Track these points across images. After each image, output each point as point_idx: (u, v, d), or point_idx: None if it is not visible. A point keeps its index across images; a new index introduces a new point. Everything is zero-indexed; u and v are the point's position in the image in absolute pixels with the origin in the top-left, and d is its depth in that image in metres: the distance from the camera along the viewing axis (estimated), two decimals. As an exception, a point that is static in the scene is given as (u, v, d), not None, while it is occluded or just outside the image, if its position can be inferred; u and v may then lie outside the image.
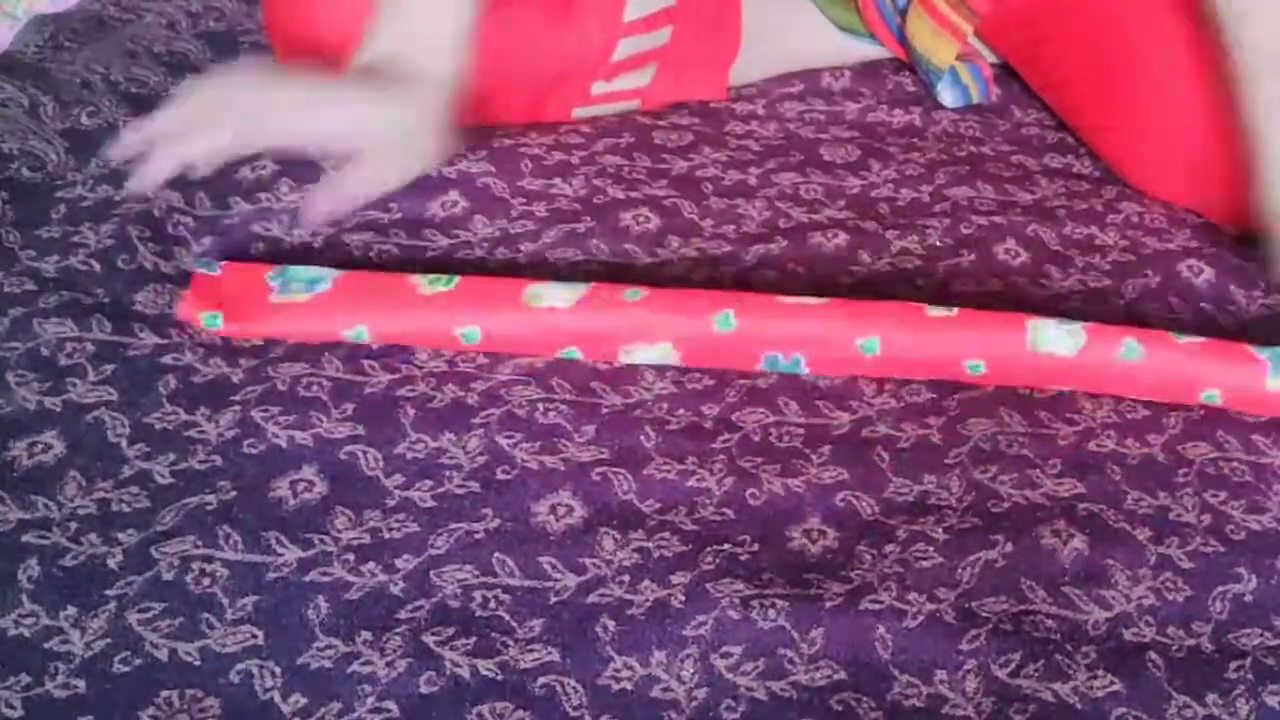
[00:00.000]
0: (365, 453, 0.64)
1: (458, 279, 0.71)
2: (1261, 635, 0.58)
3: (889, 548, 0.61)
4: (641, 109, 0.97)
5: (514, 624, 0.57)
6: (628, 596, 0.58)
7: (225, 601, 0.57)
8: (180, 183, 0.82)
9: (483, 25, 0.85)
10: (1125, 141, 0.89)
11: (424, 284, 0.71)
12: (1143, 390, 0.69)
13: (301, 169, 0.83)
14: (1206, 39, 0.83)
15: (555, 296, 0.70)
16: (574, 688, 0.54)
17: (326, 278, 0.72)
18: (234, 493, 0.62)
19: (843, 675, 0.55)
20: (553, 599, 0.58)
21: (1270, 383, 0.68)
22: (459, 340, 0.70)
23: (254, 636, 0.55)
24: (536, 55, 0.89)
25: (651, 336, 0.69)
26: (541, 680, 0.54)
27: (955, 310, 0.70)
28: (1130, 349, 0.68)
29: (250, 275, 0.73)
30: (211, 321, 0.71)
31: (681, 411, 0.68)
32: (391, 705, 0.53)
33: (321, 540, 0.60)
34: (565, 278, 0.77)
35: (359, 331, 0.70)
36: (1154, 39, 0.87)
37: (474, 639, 0.56)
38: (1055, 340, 0.68)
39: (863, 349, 0.69)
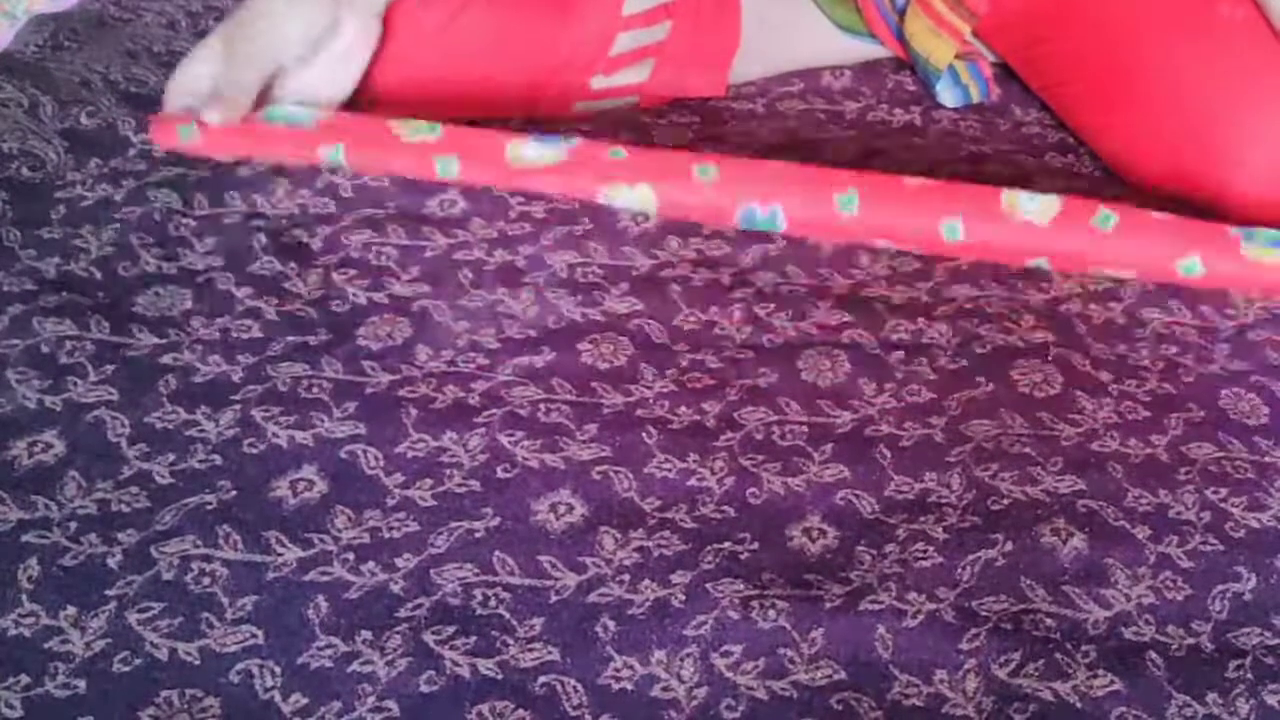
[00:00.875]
0: (365, 451, 0.64)
1: (441, 129, 0.71)
2: (1261, 634, 0.58)
3: (889, 547, 0.61)
4: (640, 105, 0.97)
5: (514, 623, 0.57)
6: (628, 596, 0.58)
7: (225, 601, 0.57)
8: (178, 184, 0.82)
9: (482, 19, 0.85)
10: (1124, 141, 0.89)
11: (406, 133, 0.71)
12: (1121, 261, 0.69)
13: (302, 172, 0.83)
14: (1204, 38, 0.83)
15: (537, 155, 0.70)
16: (574, 687, 0.54)
17: (308, 120, 0.73)
18: (234, 492, 0.62)
19: (843, 675, 0.55)
20: (553, 598, 0.58)
21: (1245, 251, 0.68)
22: (435, 170, 0.69)
23: (254, 636, 0.55)
24: (535, 49, 0.89)
25: (632, 179, 0.69)
26: (541, 680, 0.54)
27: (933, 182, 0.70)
28: (1104, 216, 0.68)
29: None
30: (187, 134, 0.71)
31: (683, 410, 0.68)
32: (391, 705, 0.53)
33: (321, 540, 0.60)
34: (563, 281, 0.77)
35: (336, 150, 0.70)
36: (1152, 39, 0.87)
37: (474, 638, 0.56)
38: (1030, 208, 0.68)
39: (841, 205, 0.67)
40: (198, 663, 0.54)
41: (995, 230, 0.67)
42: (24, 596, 0.57)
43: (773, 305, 0.76)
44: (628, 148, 0.70)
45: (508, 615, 0.57)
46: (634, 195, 0.68)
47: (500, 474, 0.64)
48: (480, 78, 0.88)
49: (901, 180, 0.68)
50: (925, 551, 0.60)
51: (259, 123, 0.71)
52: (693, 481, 0.64)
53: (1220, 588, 0.59)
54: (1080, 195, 0.69)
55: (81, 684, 0.53)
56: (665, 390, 0.69)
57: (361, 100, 0.81)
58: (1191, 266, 0.67)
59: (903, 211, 0.67)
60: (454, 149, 0.70)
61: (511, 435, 0.66)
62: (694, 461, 0.65)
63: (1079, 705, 0.54)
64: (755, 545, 0.61)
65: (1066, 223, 0.67)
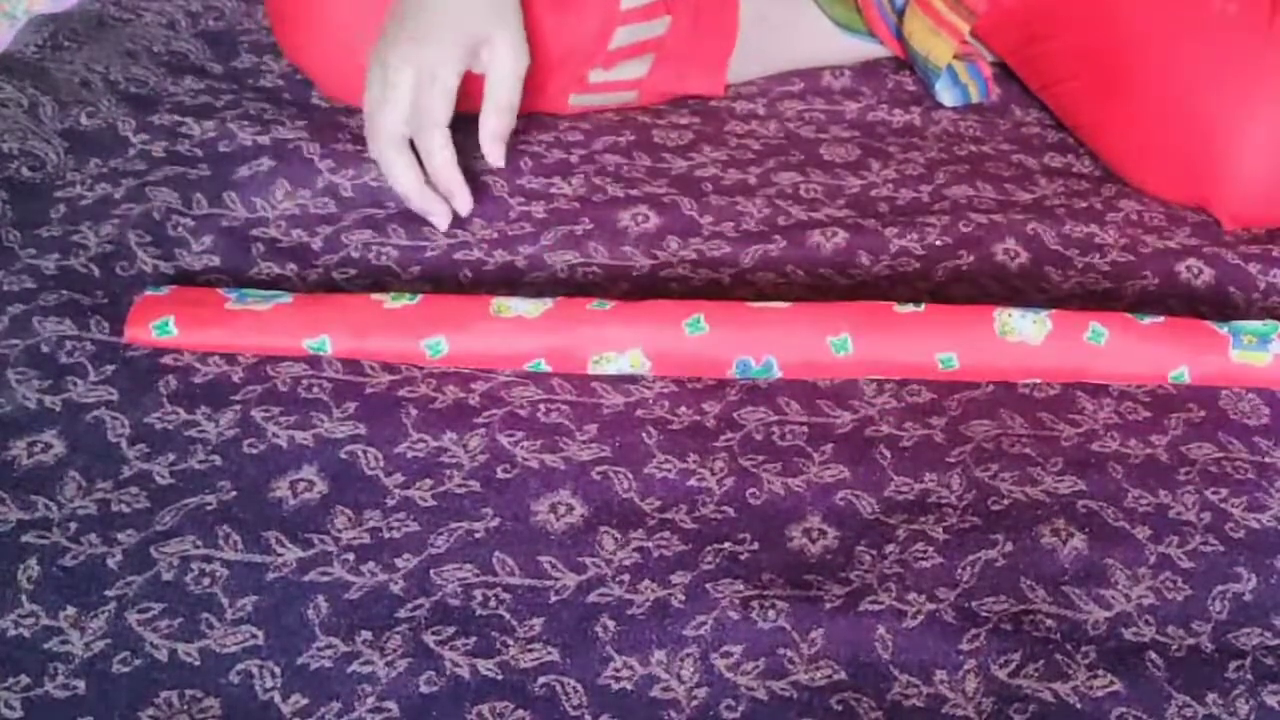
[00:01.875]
0: (365, 452, 0.64)
1: (421, 295, 0.70)
2: (1261, 635, 0.58)
3: (889, 548, 0.61)
4: (640, 103, 0.97)
5: (514, 623, 0.57)
6: (628, 596, 0.58)
7: (225, 601, 0.57)
8: (179, 183, 0.82)
9: None
10: (1120, 139, 0.89)
11: (388, 300, 0.70)
12: (1113, 375, 0.70)
13: (297, 169, 0.83)
14: (1197, 33, 0.83)
15: (521, 309, 0.69)
16: (574, 687, 0.54)
17: (285, 296, 0.71)
18: (234, 493, 0.62)
19: (843, 675, 0.55)
20: (553, 598, 0.58)
21: (1233, 355, 0.69)
22: (424, 354, 0.68)
23: (254, 636, 0.55)
24: (533, 41, 0.89)
25: (621, 345, 0.69)
26: (541, 680, 0.54)
27: (923, 305, 0.70)
28: (1096, 333, 0.69)
29: (203, 291, 0.71)
30: (163, 330, 0.69)
31: (683, 410, 0.68)
32: (391, 705, 0.53)
33: (321, 540, 0.60)
34: (563, 281, 0.77)
35: (322, 341, 0.68)
36: (1146, 36, 0.87)
37: (474, 638, 0.56)
38: (1023, 329, 0.69)
39: (834, 348, 0.69)
40: (198, 663, 0.54)
41: (989, 356, 0.70)
42: (24, 597, 0.57)
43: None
44: (611, 300, 0.70)
45: (508, 615, 0.57)
46: (624, 361, 0.69)
47: (500, 474, 0.64)
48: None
49: (892, 309, 0.70)
50: (925, 552, 0.60)
51: (234, 306, 0.69)
52: (693, 482, 0.64)
53: (1220, 588, 0.59)
54: (1070, 308, 0.71)
55: (81, 684, 0.53)
56: (665, 390, 0.69)
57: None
58: (1180, 376, 0.71)
59: (897, 347, 0.69)
60: (436, 315, 0.69)
61: (511, 435, 0.66)
62: (694, 462, 0.65)
63: (1079, 706, 0.54)
64: (755, 545, 0.61)
65: (1059, 341, 0.69)
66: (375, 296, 0.70)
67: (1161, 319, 0.71)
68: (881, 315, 0.70)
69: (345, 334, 0.69)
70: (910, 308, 0.70)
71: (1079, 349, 0.69)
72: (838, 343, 0.69)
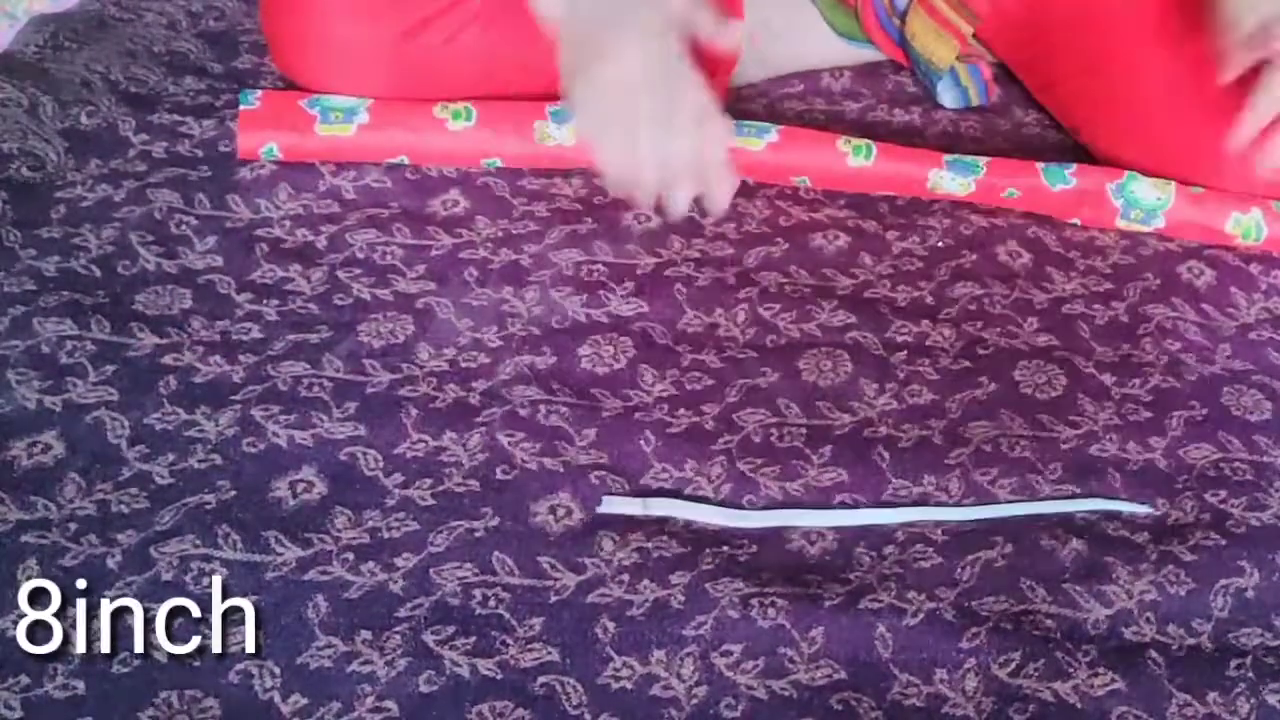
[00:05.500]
0: (365, 454, 0.64)
1: (476, 113, 0.84)
2: (1262, 634, 0.58)
3: (888, 549, 0.61)
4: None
5: (514, 623, 0.57)
6: (627, 596, 0.58)
7: (225, 601, 0.57)
8: (180, 183, 0.82)
9: (479, 39, 0.85)
10: (1118, 142, 0.89)
11: (449, 119, 0.84)
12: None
13: (299, 172, 0.83)
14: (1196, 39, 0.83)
15: (562, 135, 0.83)
16: (574, 687, 0.54)
17: (360, 108, 0.83)
18: (233, 492, 0.62)
19: (843, 674, 0.55)
20: (552, 598, 0.58)
21: (1119, 223, 0.84)
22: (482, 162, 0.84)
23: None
24: (531, 65, 0.89)
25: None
26: (541, 679, 0.54)
27: (873, 159, 0.85)
28: (1011, 194, 0.85)
29: (288, 106, 0.84)
30: (270, 154, 0.83)
31: (682, 412, 0.68)
32: (391, 705, 0.53)
33: (321, 539, 0.60)
34: (569, 278, 0.77)
35: (400, 159, 0.84)
36: (1144, 40, 0.87)
37: (474, 638, 0.56)
38: (952, 190, 0.85)
39: (797, 182, 0.85)
40: (197, 663, 0.54)
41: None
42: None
43: (778, 306, 0.76)
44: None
45: (507, 615, 0.57)
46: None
47: (499, 475, 0.64)
48: (482, 80, 0.88)
49: (846, 160, 0.85)
50: (925, 553, 0.60)
51: (323, 130, 0.83)
52: (690, 489, 0.64)
53: (1221, 585, 0.59)
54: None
55: (81, 684, 0.53)
56: (664, 393, 0.69)
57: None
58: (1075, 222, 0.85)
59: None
60: (491, 130, 0.85)
61: (511, 436, 0.66)
62: (691, 468, 0.65)
63: (1079, 705, 0.54)
64: (754, 549, 0.61)
65: (979, 195, 0.85)
66: (438, 113, 0.83)
67: (1073, 184, 0.84)
68: (838, 161, 0.85)
69: (418, 152, 0.84)
70: (862, 160, 0.84)
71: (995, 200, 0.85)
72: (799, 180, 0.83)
